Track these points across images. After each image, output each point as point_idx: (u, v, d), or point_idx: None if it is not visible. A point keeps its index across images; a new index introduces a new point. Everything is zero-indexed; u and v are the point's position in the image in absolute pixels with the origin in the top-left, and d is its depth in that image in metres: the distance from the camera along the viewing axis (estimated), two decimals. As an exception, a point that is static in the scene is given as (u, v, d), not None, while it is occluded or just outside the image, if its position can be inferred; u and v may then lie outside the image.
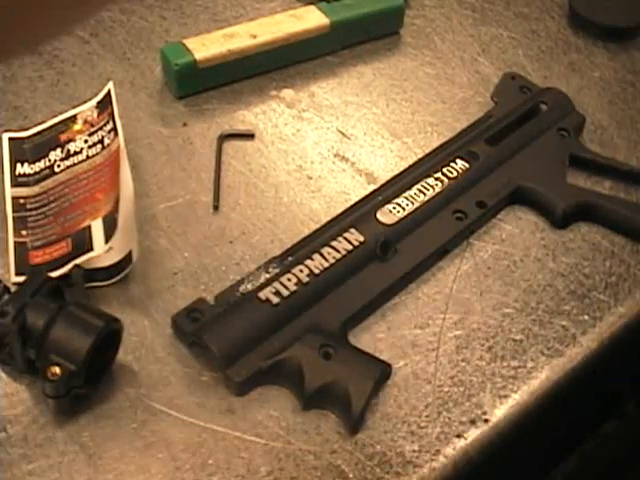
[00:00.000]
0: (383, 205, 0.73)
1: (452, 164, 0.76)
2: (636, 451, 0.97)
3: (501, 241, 0.74)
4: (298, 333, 0.64)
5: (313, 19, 0.88)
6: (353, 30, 0.89)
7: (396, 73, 0.89)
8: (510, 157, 0.78)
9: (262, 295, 0.65)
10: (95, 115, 0.78)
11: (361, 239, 0.70)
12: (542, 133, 0.81)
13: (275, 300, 0.65)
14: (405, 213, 0.72)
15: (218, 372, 0.63)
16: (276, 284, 0.66)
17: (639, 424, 0.96)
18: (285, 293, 0.66)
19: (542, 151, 0.80)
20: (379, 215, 0.72)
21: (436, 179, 0.75)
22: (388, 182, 0.77)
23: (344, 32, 0.89)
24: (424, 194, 0.74)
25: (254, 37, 0.85)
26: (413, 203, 0.73)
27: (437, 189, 0.74)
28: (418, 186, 0.74)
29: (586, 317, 0.69)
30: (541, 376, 0.65)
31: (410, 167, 0.78)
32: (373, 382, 0.62)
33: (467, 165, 0.77)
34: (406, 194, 0.74)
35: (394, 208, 0.72)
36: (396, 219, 0.72)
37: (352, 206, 0.74)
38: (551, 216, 0.75)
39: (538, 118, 0.82)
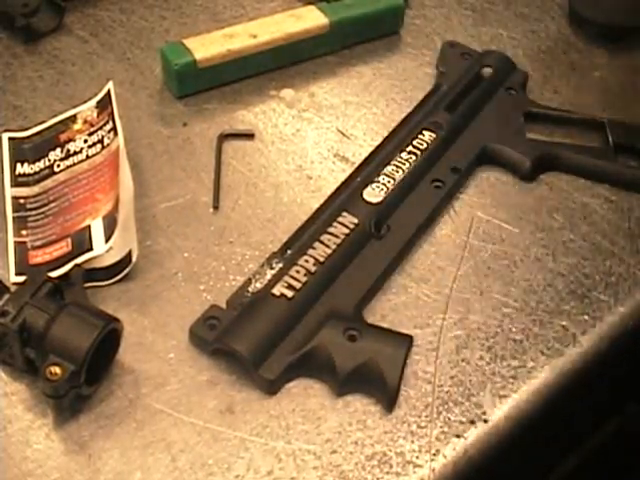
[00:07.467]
0: (366, 186, 0.74)
1: (420, 136, 0.79)
2: (636, 451, 0.97)
3: (501, 241, 0.74)
4: (318, 321, 0.64)
5: (313, 19, 0.88)
6: (353, 30, 0.89)
7: (396, 73, 0.89)
8: (470, 121, 0.81)
9: (276, 291, 0.66)
10: (95, 115, 0.78)
11: (355, 221, 0.71)
12: (493, 94, 0.84)
13: (289, 294, 0.65)
14: (388, 190, 0.74)
15: (250, 373, 0.62)
16: (287, 278, 0.67)
17: (639, 424, 0.96)
18: (297, 285, 0.66)
19: (497, 111, 0.83)
20: (365, 195, 0.74)
21: (409, 153, 0.77)
22: (363, 163, 0.78)
23: (344, 32, 0.89)
24: (401, 169, 0.76)
25: (254, 37, 0.85)
26: (394, 179, 0.75)
27: (412, 162, 0.76)
28: (394, 163, 0.76)
29: (586, 317, 0.69)
30: (541, 376, 0.65)
31: (379, 146, 0.80)
32: (404, 353, 0.63)
33: (434, 135, 0.79)
34: (385, 172, 0.75)
35: (377, 187, 0.74)
36: (382, 197, 0.73)
37: (335, 192, 0.76)
38: (519, 172, 0.79)
39: (486, 81, 0.85)
